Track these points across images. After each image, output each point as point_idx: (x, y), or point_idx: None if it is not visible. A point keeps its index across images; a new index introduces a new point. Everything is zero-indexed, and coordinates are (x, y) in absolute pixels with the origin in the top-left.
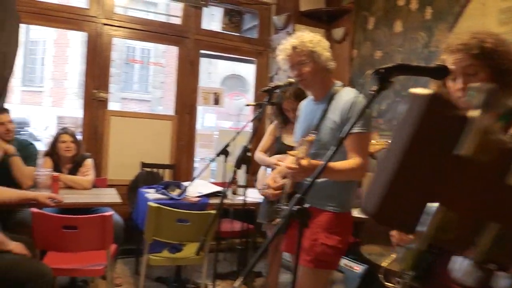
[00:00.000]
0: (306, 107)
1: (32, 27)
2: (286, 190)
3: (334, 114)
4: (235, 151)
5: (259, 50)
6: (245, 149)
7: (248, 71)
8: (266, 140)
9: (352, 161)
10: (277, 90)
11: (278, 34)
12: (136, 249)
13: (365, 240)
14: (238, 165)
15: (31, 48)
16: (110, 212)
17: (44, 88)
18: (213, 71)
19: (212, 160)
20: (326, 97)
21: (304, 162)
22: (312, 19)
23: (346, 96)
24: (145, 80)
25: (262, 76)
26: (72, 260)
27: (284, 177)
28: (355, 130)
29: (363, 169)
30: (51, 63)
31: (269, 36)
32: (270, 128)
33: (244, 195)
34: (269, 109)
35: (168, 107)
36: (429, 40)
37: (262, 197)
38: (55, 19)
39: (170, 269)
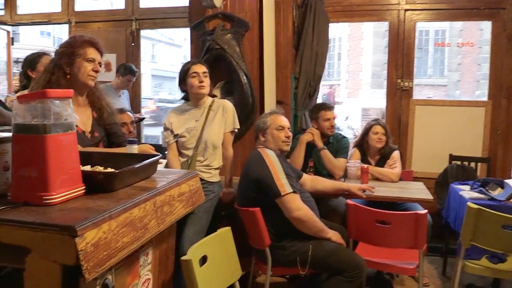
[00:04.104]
0: None
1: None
2: None
3: None
4: None
5: None
6: None
7: None
8: None
9: None
10: None
11: None
12: (443, 249)
13: None
14: None
15: (329, 46)
16: (425, 210)
17: (341, 81)
18: None
19: None
20: None
21: None
22: None
23: None
24: (440, 64)
25: None
26: (381, 253)
27: None
28: None
29: None
30: (346, 57)
31: None
32: None
33: None
34: None
35: (466, 90)
36: None
37: None
38: (357, 13)
39: (483, 278)
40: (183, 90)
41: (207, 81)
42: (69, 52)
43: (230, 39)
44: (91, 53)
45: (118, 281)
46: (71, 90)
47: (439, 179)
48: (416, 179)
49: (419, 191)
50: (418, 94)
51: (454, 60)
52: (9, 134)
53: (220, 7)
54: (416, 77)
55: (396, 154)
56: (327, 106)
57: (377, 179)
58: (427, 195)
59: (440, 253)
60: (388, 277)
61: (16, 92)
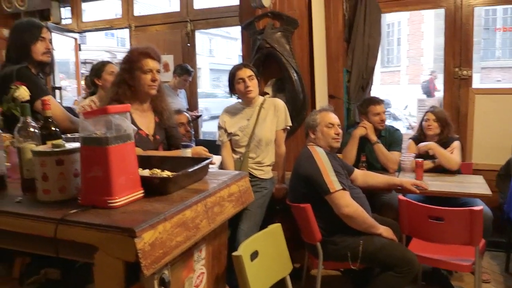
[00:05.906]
0: None
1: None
2: None
3: None
4: None
5: None
6: None
7: None
8: None
9: None
10: None
11: None
12: (507, 243)
13: None
14: None
15: (387, 31)
16: (480, 207)
17: (400, 67)
18: None
19: None
20: None
21: None
22: None
23: None
24: (509, 45)
25: None
26: (437, 249)
27: None
28: None
29: None
30: (406, 42)
31: None
32: None
33: None
34: None
35: None
36: None
37: None
38: (410, 2)
39: None
40: (233, 93)
41: (253, 84)
42: (128, 68)
43: (279, 37)
44: (148, 64)
45: (174, 276)
46: (129, 105)
47: (501, 171)
48: (476, 171)
49: (478, 185)
50: (486, 77)
51: None
52: (78, 145)
53: (270, 6)
54: (482, 59)
55: (456, 143)
56: (376, 100)
57: (433, 171)
58: (486, 190)
59: (503, 248)
60: (445, 273)
61: (85, 98)
